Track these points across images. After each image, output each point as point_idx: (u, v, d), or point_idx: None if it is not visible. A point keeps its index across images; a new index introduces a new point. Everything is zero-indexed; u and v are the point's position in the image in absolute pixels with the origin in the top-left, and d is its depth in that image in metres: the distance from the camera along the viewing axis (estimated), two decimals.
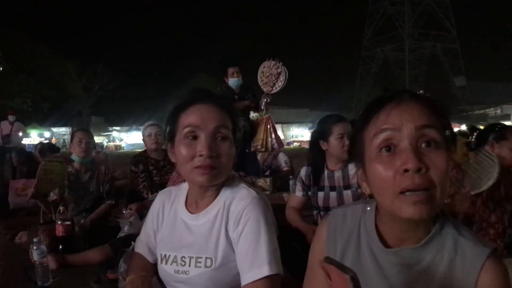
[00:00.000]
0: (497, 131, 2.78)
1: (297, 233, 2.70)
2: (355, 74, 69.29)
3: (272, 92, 5.29)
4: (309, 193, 2.93)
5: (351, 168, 2.78)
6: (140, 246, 1.56)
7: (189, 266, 1.32)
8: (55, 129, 46.22)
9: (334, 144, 2.75)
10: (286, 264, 2.68)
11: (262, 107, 5.46)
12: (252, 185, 5.28)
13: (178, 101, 1.39)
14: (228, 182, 1.38)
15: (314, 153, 2.95)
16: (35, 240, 2.59)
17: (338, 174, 2.81)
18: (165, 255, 1.40)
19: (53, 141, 35.60)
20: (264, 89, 5.27)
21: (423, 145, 0.90)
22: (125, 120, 46.34)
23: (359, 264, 1.03)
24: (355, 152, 1.03)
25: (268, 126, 5.35)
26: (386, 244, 1.01)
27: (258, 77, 5.29)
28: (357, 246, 1.05)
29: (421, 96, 0.96)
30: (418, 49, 68.11)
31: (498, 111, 49.41)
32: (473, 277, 0.93)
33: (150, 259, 1.52)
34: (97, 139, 42.58)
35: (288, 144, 44.83)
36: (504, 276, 0.94)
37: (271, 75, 5.23)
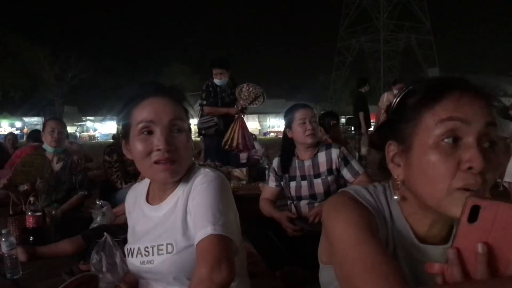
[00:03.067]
0: None
1: (272, 223, 2.70)
2: (331, 64, 69.93)
3: (247, 106, 5.46)
4: (282, 183, 2.95)
5: (321, 157, 2.81)
6: None
7: (153, 255, 1.30)
8: (27, 119, 45.28)
9: (297, 130, 2.79)
10: (262, 254, 2.69)
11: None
12: (228, 174, 5.34)
13: (128, 95, 1.35)
14: (189, 170, 1.36)
15: (283, 142, 2.98)
16: (3, 231, 2.53)
17: (308, 163, 2.84)
18: (130, 249, 1.39)
19: (25, 131, 34.89)
20: (241, 102, 5.41)
21: (486, 144, 0.83)
22: (99, 109, 45.60)
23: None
24: (399, 130, 0.91)
25: (237, 128, 5.50)
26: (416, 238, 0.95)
27: (236, 92, 5.42)
28: (385, 233, 0.96)
29: (485, 91, 0.87)
30: (393, 40, 69.08)
31: None
32: None
33: None
34: (71, 129, 42.18)
35: (265, 134, 45.06)
36: None
37: (249, 97, 5.38)
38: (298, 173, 2.86)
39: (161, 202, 1.36)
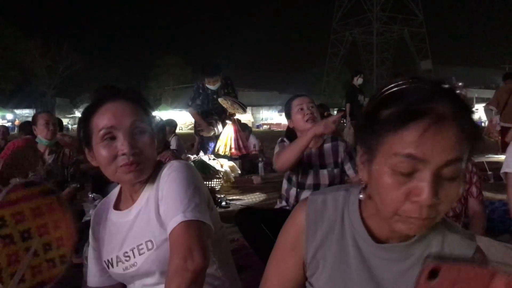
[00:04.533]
0: None
1: (265, 216, 2.68)
2: (324, 56, 69.83)
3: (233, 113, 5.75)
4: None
5: (327, 148, 2.80)
6: (93, 280, 1.46)
7: (134, 257, 1.29)
8: (18, 111, 44.94)
9: (296, 118, 2.77)
10: (255, 246, 2.69)
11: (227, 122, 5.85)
12: (221, 167, 5.36)
13: (88, 103, 1.34)
14: (156, 167, 1.36)
15: (286, 134, 2.96)
16: None
17: (315, 152, 2.82)
18: (109, 260, 1.36)
19: (16, 123, 34.62)
20: (229, 111, 5.71)
21: (445, 177, 0.81)
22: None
23: (343, 256, 1.00)
24: (366, 137, 0.89)
25: (228, 133, 5.72)
26: (373, 238, 0.97)
27: (220, 100, 5.63)
28: (340, 238, 1.00)
29: (463, 111, 0.81)
30: (386, 33, 69.10)
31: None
32: None
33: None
34: (62, 121, 41.67)
35: (258, 127, 45.03)
36: None
37: (233, 106, 5.63)
38: (304, 160, 2.83)
39: (133, 202, 1.35)
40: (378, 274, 0.96)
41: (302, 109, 2.76)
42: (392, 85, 0.86)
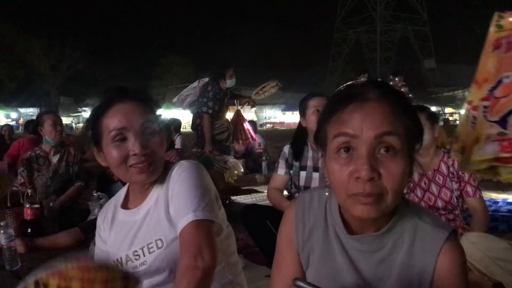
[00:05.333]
0: None
1: (270, 213, 2.69)
2: (327, 55, 69.60)
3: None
4: (291, 172, 2.91)
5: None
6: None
7: (144, 256, 1.31)
8: (22, 110, 45.05)
9: (311, 119, 2.76)
10: (259, 242, 2.70)
11: (240, 107, 5.88)
12: (224, 164, 5.34)
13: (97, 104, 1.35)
14: (165, 167, 1.38)
15: (297, 131, 2.95)
16: (2, 223, 2.55)
17: (311, 156, 2.82)
18: (118, 259, 1.38)
19: (21, 121, 34.74)
20: (253, 96, 5.73)
21: (382, 150, 0.89)
22: (94, 100, 45.38)
23: (328, 248, 1.05)
24: (320, 140, 1.01)
25: (238, 122, 5.77)
26: (350, 230, 1.03)
27: (259, 89, 5.72)
28: (324, 230, 1.06)
29: (390, 94, 0.93)
30: (389, 31, 68.77)
31: (466, 93, 50.04)
32: (432, 259, 0.96)
33: None
34: (66, 120, 41.94)
35: (261, 125, 44.98)
36: (462, 257, 0.98)
37: (267, 92, 5.77)
38: (311, 163, 2.82)
39: (141, 202, 1.37)
40: (358, 265, 1.02)
41: (318, 110, 2.74)
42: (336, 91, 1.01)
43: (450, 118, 41.47)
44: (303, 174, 2.85)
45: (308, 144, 2.89)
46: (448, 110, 51.33)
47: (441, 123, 7.56)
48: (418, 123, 0.95)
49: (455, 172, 2.62)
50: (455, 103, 47.99)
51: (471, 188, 2.59)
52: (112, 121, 1.27)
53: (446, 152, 2.72)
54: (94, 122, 1.32)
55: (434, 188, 2.64)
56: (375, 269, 0.99)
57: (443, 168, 2.67)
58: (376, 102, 0.92)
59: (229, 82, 5.57)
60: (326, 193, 1.10)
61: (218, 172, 5.21)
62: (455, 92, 51.19)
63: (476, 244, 2.12)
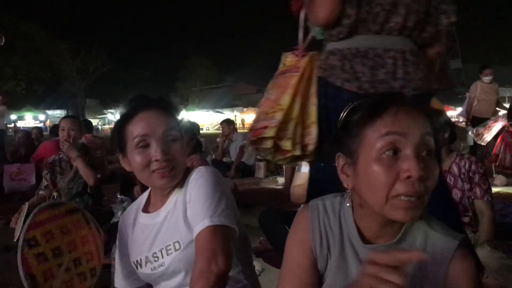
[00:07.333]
0: None
1: (288, 216, 2.67)
2: None
3: None
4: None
5: None
6: (119, 283, 1.53)
7: (162, 257, 1.35)
8: (49, 112, 45.95)
9: None
10: (276, 246, 2.70)
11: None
12: (252, 167, 5.29)
13: (123, 111, 1.42)
14: (185, 173, 1.42)
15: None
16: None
17: None
18: (137, 261, 1.43)
19: (47, 123, 35.46)
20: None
21: (424, 153, 0.91)
22: (120, 102, 45.98)
23: (343, 257, 1.06)
24: (346, 145, 1.00)
25: None
26: (364, 239, 1.04)
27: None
28: (340, 239, 1.07)
29: (422, 98, 0.99)
30: None
31: None
32: (443, 269, 0.97)
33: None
34: (93, 121, 42.26)
35: None
36: (472, 266, 0.99)
37: None
38: None
39: (162, 205, 1.42)
40: None
41: None
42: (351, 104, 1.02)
43: None
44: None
45: None
46: None
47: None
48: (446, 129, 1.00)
49: (466, 173, 2.59)
50: None
51: (479, 190, 2.55)
52: (136, 128, 1.33)
53: (459, 154, 2.70)
54: (119, 129, 1.38)
55: None
56: None
57: (455, 169, 2.64)
58: (414, 105, 0.96)
59: None
60: (339, 202, 1.11)
61: None
62: None
63: (494, 251, 2.11)
